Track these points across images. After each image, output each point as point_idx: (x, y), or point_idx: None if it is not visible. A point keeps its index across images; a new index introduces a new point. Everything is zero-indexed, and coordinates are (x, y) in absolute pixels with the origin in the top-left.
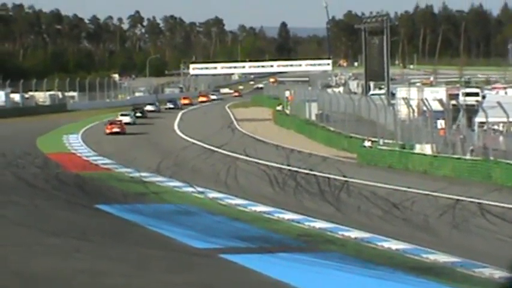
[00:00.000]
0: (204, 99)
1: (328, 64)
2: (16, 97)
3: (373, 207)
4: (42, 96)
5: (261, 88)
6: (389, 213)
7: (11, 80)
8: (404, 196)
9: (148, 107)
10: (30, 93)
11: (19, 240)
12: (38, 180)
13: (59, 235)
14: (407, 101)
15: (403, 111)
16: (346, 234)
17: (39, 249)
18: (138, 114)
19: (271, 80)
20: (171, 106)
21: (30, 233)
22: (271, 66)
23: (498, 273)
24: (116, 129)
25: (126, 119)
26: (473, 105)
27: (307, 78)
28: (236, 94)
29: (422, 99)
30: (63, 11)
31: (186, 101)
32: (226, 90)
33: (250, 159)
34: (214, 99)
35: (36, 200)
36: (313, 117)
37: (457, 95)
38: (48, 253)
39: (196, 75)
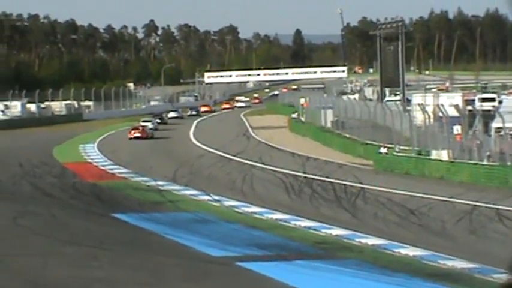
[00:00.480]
0: (227, 106)
1: (343, 71)
2: (32, 107)
3: (390, 213)
4: (58, 106)
5: (277, 95)
6: (406, 220)
7: (27, 90)
8: (421, 202)
9: (172, 114)
10: (46, 103)
11: (36, 250)
12: (54, 189)
13: (75, 244)
14: (423, 107)
15: (419, 117)
16: (363, 241)
17: (56, 258)
18: (158, 121)
19: (293, 87)
20: (194, 113)
21: (47, 242)
22: (286, 73)
23: None
24: (136, 134)
25: (148, 125)
26: (489, 111)
27: (322, 85)
28: (257, 101)
29: (438, 105)
30: (78, 21)
31: (206, 108)
32: (241, 98)
33: (266, 166)
34: (242, 107)
35: (53, 209)
36: (329, 124)
37: (473, 100)
38: (65, 262)
39: (211, 83)
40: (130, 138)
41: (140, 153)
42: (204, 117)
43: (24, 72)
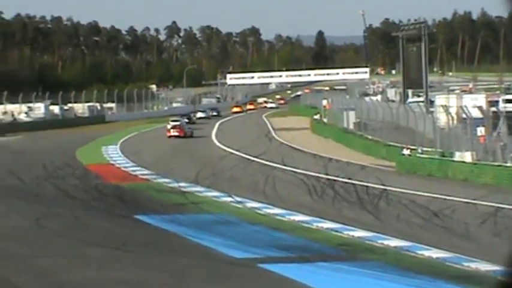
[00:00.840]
0: (251, 107)
1: (366, 72)
2: (55, 109)
3: (413, 215)
4: (81, 108)
5: (300, 96)
6: (429, 222)
7: (50, 92)
8: (444, 204)
9: (200, 114)
10: (69, 104)
11: (59, 251)
12: (77, 191)
13: (98, 245)
14: (446, 108)
15: (442, 118)
16: (386, 242)
17: (79, 259)
18: (186, 120)
19: (325, 88)
20: (215, 113)
21: (70, 243)
22: (308, 75)
23: None
24: (175, 133)
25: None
26: None
27: (344, 87)
28: (282, 101)
29: (461, 107)
30: (101, 23)
31: (238, 109)
32: (264, 99)
33: (288, 168)
34: (272, 107)
35: (76, 211)
36: (351, 126)
37: (497, 101)
38: (89, 263)
39: (233, 85)
40: (169, 137)
41: (162, 154)
42: (227, 118)
43: (48, 74)
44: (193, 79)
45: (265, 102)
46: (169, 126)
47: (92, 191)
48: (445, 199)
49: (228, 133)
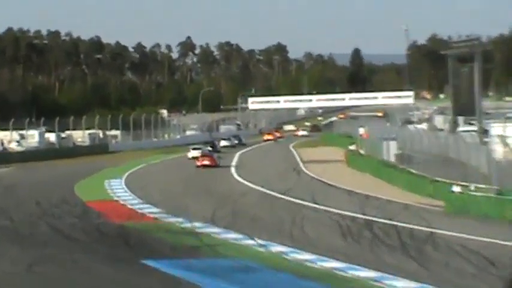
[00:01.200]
0: (278, 134)
1: (409, 96)
2: (51, 137)
3: (465, 263)
4: (80, 136)
5: (333, 123)
6: (483, 271)
7: (45, 117)
8: (501, 250)
9: (224, 143)
10: (67, 132)
11: None
12: (76, 231)
13: None
14: (503, 138)
15: (498, 150)
16: None
17: None
18: (209, 149)
19: (378, 114)
20: (236, 142)
21: None
22: (343, 99)
23: None
24: (206, 162)
25: (196, 153)
26: None
27: (379, 114)
28: (315, 129)
29: None
30: (104, 39)
31: (270, 137)
32: (291, 127)
33: (319, 206)
34: (303, 135)
35: (75, 254)
36: (392, 158)
37: None
38: None
39: (256, 110)
40: (198, 166)
41: (173, 190)
42: (251, 147)
43: (43, 97)
44: (209, 103)
45: (297, 129)
46: (190, 155)
47: (92, 232)
48: (502, 244)
49: (250, 165)
